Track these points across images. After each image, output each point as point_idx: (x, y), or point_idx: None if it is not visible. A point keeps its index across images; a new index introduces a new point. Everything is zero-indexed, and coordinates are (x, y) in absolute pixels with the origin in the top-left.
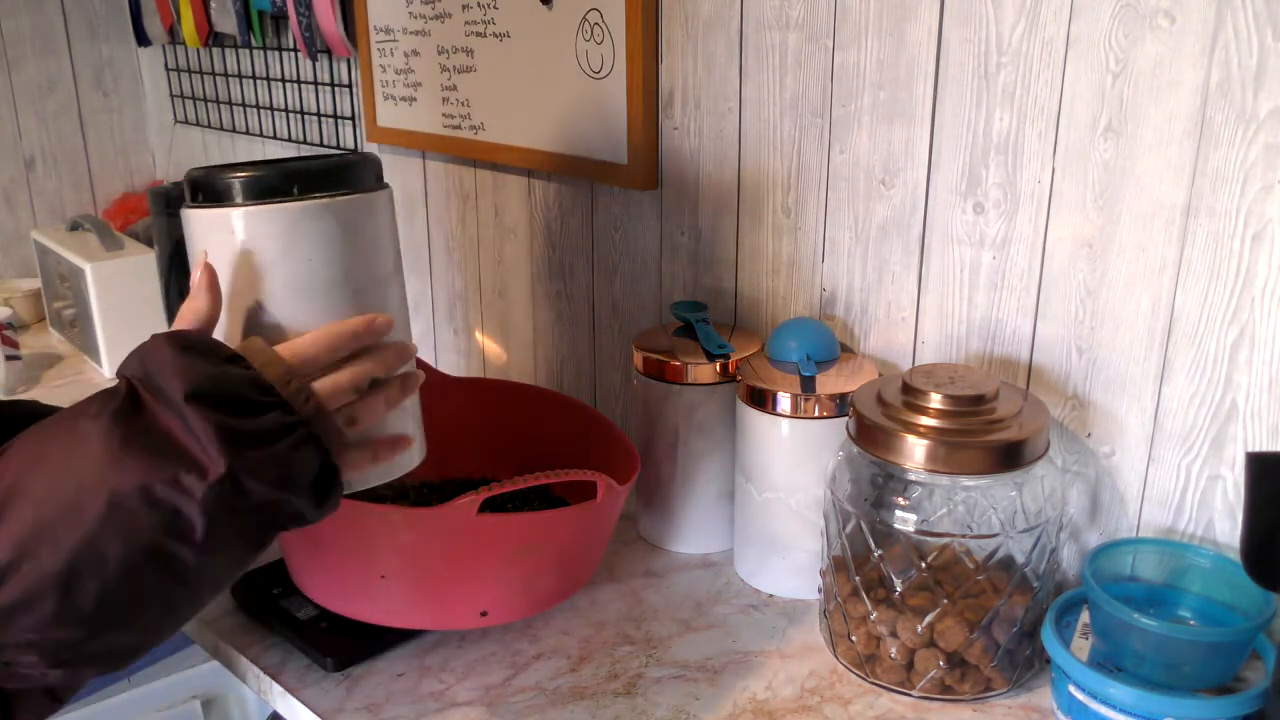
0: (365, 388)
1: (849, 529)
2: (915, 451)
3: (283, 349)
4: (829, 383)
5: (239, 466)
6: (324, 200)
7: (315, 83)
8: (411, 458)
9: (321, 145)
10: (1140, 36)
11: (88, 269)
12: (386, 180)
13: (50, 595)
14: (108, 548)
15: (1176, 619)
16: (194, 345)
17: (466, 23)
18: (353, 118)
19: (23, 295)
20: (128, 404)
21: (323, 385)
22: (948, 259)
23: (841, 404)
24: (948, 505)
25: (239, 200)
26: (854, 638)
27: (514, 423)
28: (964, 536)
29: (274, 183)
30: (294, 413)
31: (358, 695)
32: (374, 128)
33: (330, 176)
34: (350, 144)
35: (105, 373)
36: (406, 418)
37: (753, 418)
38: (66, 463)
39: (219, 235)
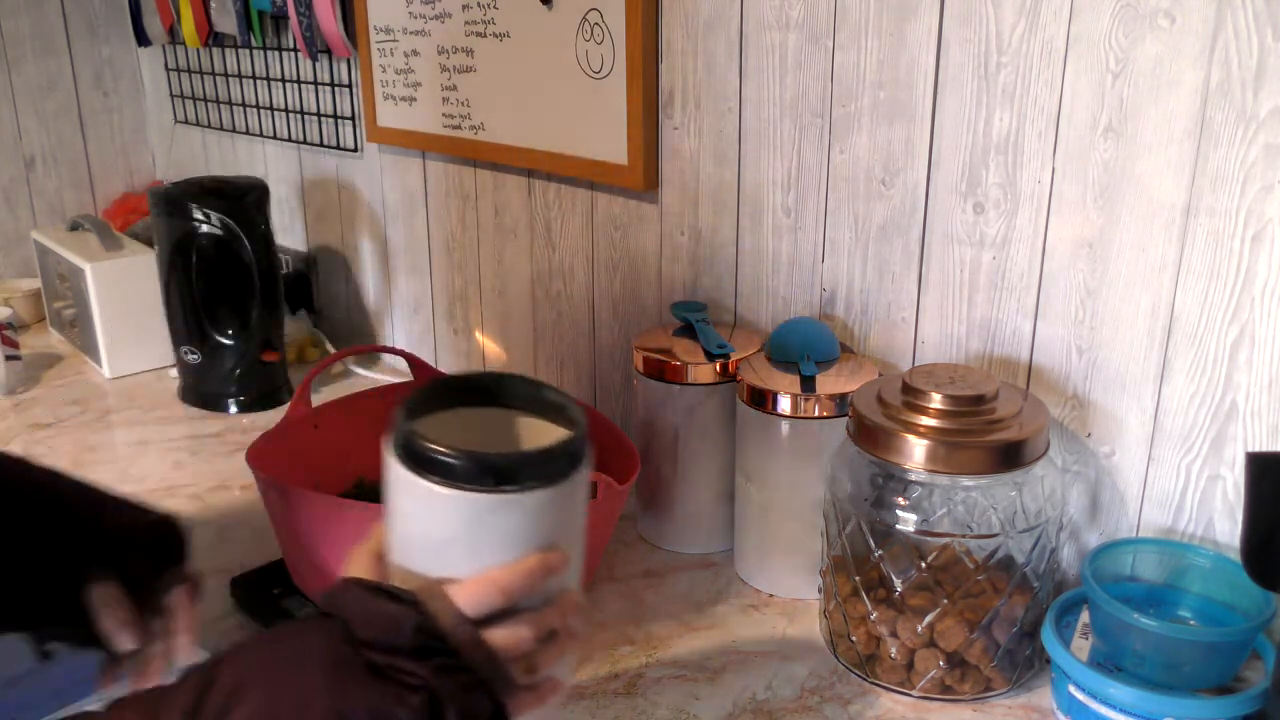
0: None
1: (849, 529)
2: (915, 451)
3: (456, 593)
4: (829, 383)
5: (440, 693)
6: (514, 495)
7: (315, 83)
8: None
9: (321, 145)
10: (1140, 36)
11: (88, 269)
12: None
13: None
14: None
15: (1176, 619)
16: (380, 590)
17: (466, 23)
18: (353, 118)
19: (23, 295)
20: (346, 632)
21: (503, 637)
22: (948, 259)
23: (841, 404)
24: (948, 505)
25: (429, 475)
26: (854, 638)
27: None
28: (964, 536)
29: (467, 471)
30: (457, 656)
31: None
32: (374, 128)
33: (530, 467)
34: (350, 144)
35: (105, 373)
36: (570, 662)
37: (753, 418)
38: (292, 674)
39: (410, 491)
